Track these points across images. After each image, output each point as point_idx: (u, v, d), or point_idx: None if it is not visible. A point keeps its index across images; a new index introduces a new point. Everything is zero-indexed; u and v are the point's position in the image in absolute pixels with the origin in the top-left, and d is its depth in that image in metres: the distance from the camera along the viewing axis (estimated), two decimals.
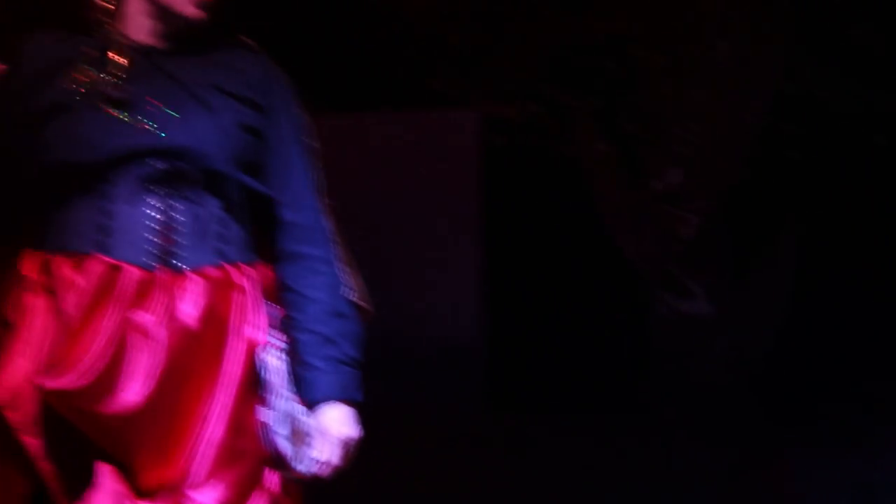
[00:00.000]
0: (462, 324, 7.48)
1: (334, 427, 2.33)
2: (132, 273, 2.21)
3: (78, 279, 2.21)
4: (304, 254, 2.40)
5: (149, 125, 2.26)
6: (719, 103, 7.04)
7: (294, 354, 2.34)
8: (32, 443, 2.13)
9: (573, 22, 7.12)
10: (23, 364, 2.18)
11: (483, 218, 7.60)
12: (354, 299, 2.44)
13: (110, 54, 2.32)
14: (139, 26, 2.35)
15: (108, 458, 2.15)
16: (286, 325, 2.36)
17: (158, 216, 2.26)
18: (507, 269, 7.36)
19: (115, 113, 2.26)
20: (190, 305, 2.23)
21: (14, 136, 2.32)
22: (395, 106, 7.71)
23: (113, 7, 2.35)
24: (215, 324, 2.25)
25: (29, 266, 2.29)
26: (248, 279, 2.32)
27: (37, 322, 2.21)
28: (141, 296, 2.21)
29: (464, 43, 7.24)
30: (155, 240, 2.25)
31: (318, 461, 2.30)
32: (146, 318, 2.19)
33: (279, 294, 2.39)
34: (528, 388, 6.95)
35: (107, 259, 2.22)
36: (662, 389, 6.92)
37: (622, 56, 7.11)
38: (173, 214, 2.27)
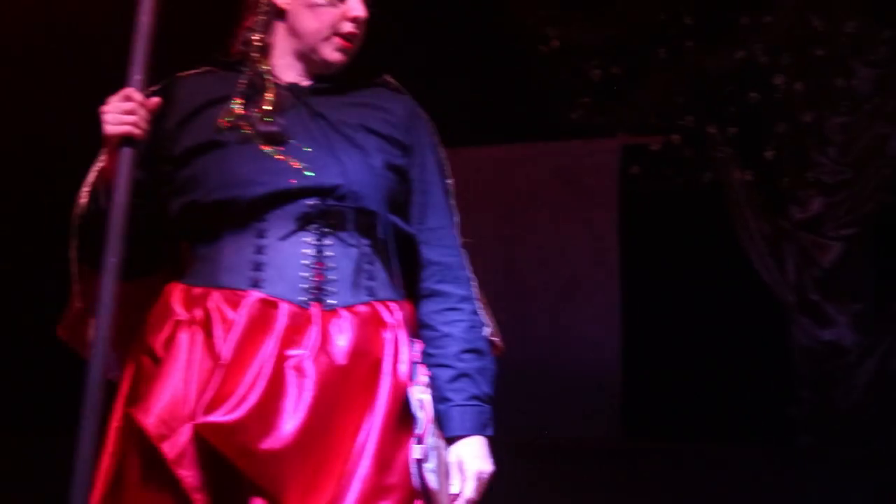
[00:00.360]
0: (600, 351, 7.44)
1: (469, 461, 2.33)
2: (286, 309, 2.22)
3: (232, 314, 2.21)
4: (444, 292, 2.43)
5: (303, 164, 2.28)
6: (860, 129, 6.98)
7: (432, 390, 2.34)
8: (186, 475, 2.13)
9: (714, 52, 7.14)
10: (176, 397, 2.17)
11: (621, 245, 7.59)
12: (490, 336, 2.55)
13: (262, 92, 2.35)
14: (287, 65, 2.41)
15: (260, 492, 2.14)
16: (426, 361, 2.36)
17: (312, 253, 2.28)
18: (645, 296, 7.33)
19: (269, 151, 2.28)
20: (341, 342, 2.23)
21: (165, 171, 2.34)
22: (536, 137, 7.76)
23: (263, 45, 2.40)
24: (365, 360, 2.25)
25: (178, 300, 2.29)
26: (394, 316, 2.33)
27: (189, 356, 2.21)
28: (294, 332, 2.22)
29: (605, 75, 7.30)
30: (308, 277, 2.26)
31: (454, 495, 2.31)
32: (299, 353, 2.20)
33: (420, 330, 2.40)
34: (667, 417, 6.92)
35: (261, 295, 2.23)
36: (804, 418, 6.86)
37: (763, 84, 7.09)
38: (326, 252, 2.29)
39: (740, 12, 7.02)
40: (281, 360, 2.18)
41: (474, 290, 2.48)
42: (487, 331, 2.46)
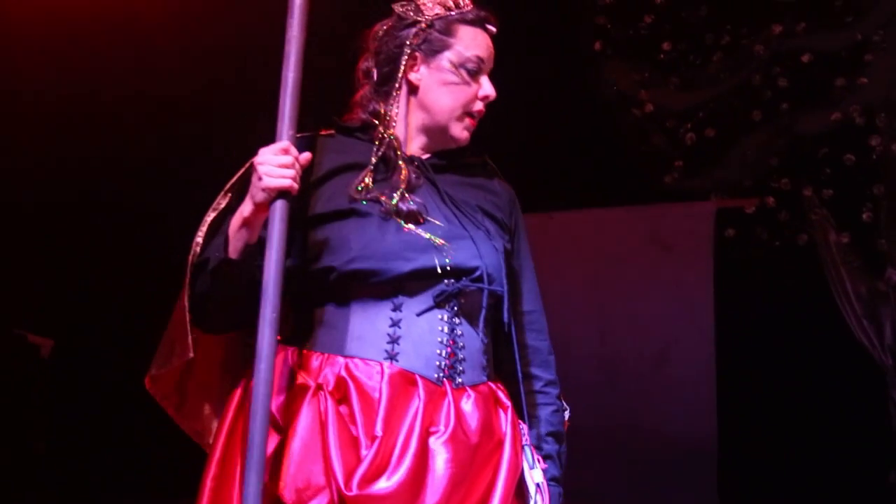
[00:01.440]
0: (694, 417, 7.32)
1: None
2: (424, 385, 2.27)
3: (370, 385, 2.23)
4: (533, 375, 2.52)
5: (444, 243, 2.33)
6: None
7: None
8: None
9: (809, 114, 7.10)
10: (310, 465, 2.17)
11: (716, 310, 7.51)
12: (567, 419, 2.56)
13: (394, 165, 2.39)
14: (410, 138, 2.46)
15: None
16: None
17: (446, 331, 2.32)
18: (740, 361, 7.24)
19: (408, 226, 2.32)
20: (472, 420, 2.28)
21: (299, 234, 2.35)
22: (629, 201, 7.76)
23: (395, 119, 2.45)
24: (490, 439, 2.30)
25: (297, 364, 2.31)
26: (504, 395, 2.40)
27: (321, 424, 2.21)
28: (432, 408, 2.25)
29: (699, 139, 7.29)
30: (442, 354, 2.30)
31: None
32: (439, 430, 2.24)
33: None
34: (764, 486, 6.82)
35: (399, 368, 2.26)
36: None
37: (859, 146, 7.03)
38: (457, 331, 2.33)
39: (835, 74, 6.97)
40: (425, 435, 2.21)
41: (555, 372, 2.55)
42: (568, 415, 2.53)
